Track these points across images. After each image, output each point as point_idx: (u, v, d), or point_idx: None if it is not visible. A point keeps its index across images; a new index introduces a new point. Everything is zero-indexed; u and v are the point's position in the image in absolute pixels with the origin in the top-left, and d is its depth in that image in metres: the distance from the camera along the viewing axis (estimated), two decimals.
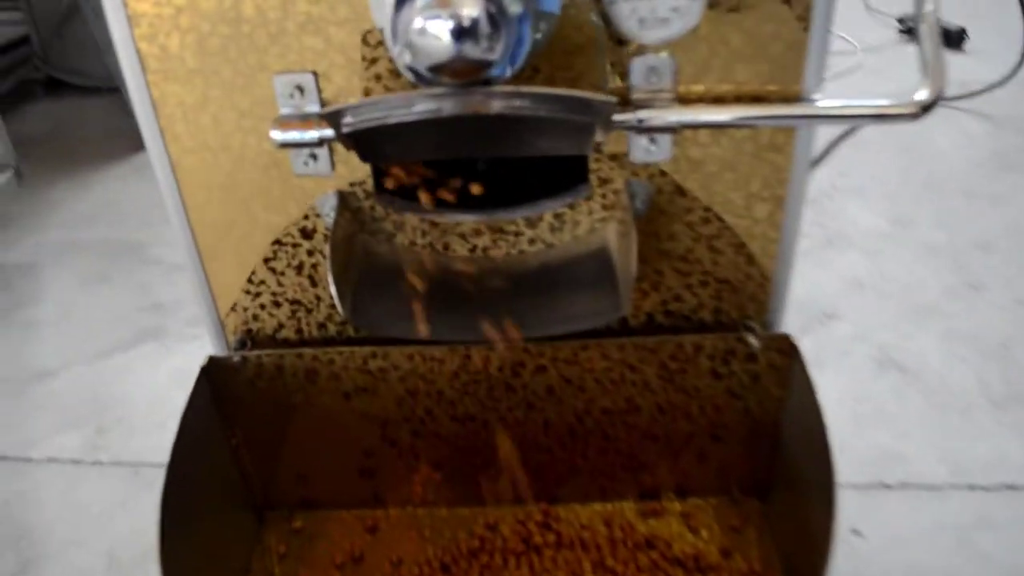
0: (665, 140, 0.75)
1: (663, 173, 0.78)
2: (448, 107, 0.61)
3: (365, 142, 0.67)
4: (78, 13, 2.90)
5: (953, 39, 3.19)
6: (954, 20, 3.16)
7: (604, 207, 0.80)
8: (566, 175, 0.80)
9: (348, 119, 0.64)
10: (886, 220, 2.20)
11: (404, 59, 0.60)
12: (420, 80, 0.61)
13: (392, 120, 0.63)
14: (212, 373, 0.88)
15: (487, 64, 0.60)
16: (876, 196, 2.30)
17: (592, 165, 0.78)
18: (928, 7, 0.76)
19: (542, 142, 0.68)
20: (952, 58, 3.11)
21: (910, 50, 3.19)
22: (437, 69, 0.60)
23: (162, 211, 0.83)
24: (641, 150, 0.76)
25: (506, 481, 0.99)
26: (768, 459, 0.96)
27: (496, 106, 0.62)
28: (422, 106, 0.62)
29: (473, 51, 0.59)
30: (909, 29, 3.32)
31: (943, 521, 1.22)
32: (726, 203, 0.80)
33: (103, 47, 2.69)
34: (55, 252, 2.20)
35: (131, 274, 2.09)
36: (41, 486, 1.49)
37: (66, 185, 2.52)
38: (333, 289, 0.75)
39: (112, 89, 2.97)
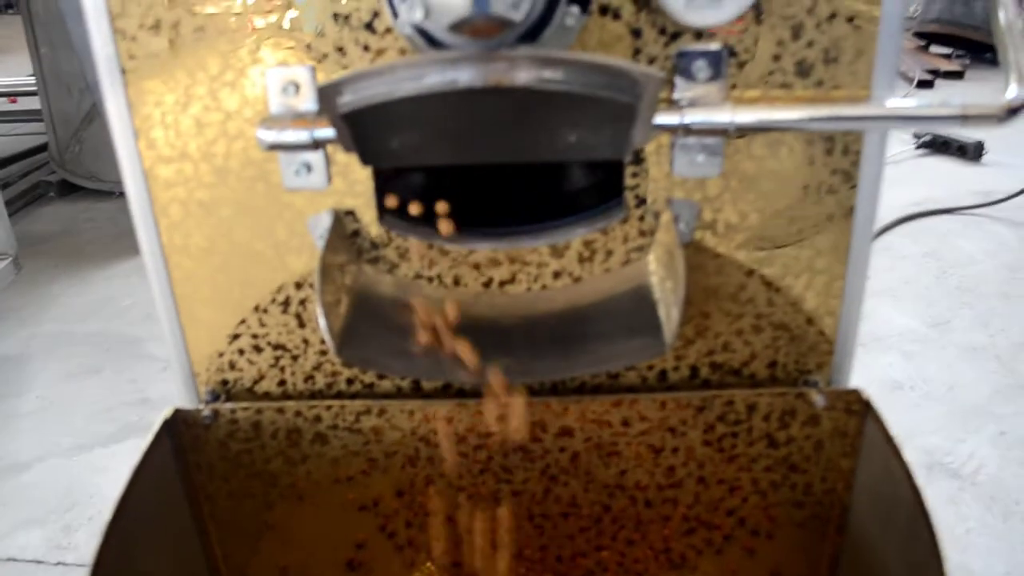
0: (715, 149, 0.64)
1: (710, 192, 0.67)
2: (466, 77, 0.51)
3: (367, 131, 0.57)
4: (97, 118, 2.92)
5: (972, 152, 3.22)
6: (972, 135, 3.21)
7: (641, 233, 0.69)
8: (597, 195, 0.70)
9: (347, 96, 0.54)
10: (922, 322, 2.11)
11: (415, 16, 0.51)
12: (431, 45, 0.52)
13: (400, 93, 0.52)
14: (176, 429, 0.75)
15: (510, 24, 0.50)
16: (909, 298, 2.23)
17: (628, 182, 0.68)
18: (1010, 11, 0.67)
19: (574, 136, 0.58)
20: (972, 170, 3.13)
21: (926, 163, 3.20)
22: (456, 27, 0.50)
23: None
24: (687, 162, 0.65)
25: (523, 573, 0.83)
26: (832, 550, 0.80)
27: (523, 76, 0.51)
28: (435, 75, 0.52)
29: (497, 5, 0.50)
30: (925, 144, 3.35)
31: None
32: (784, 229, 0.69)
33: None
34: (47, 344, 2.13)
35: (122, 369, 2.01)
36: None
37: (67, 281, 2.48)
38: (321, 319, 0.63)
39: (124, 194, 2.96)
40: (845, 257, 0.70)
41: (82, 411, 1.84)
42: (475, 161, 0.61)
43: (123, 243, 2.68)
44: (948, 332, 2.05)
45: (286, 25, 0.63)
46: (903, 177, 2.99)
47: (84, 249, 2.71)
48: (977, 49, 4.47)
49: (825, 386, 0.74)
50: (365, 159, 0.61)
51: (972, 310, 2.15)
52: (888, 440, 0.67)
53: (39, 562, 1.42)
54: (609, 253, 0.70)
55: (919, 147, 3.29)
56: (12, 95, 4.35)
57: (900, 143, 3.25)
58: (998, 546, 1.39)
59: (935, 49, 4.56)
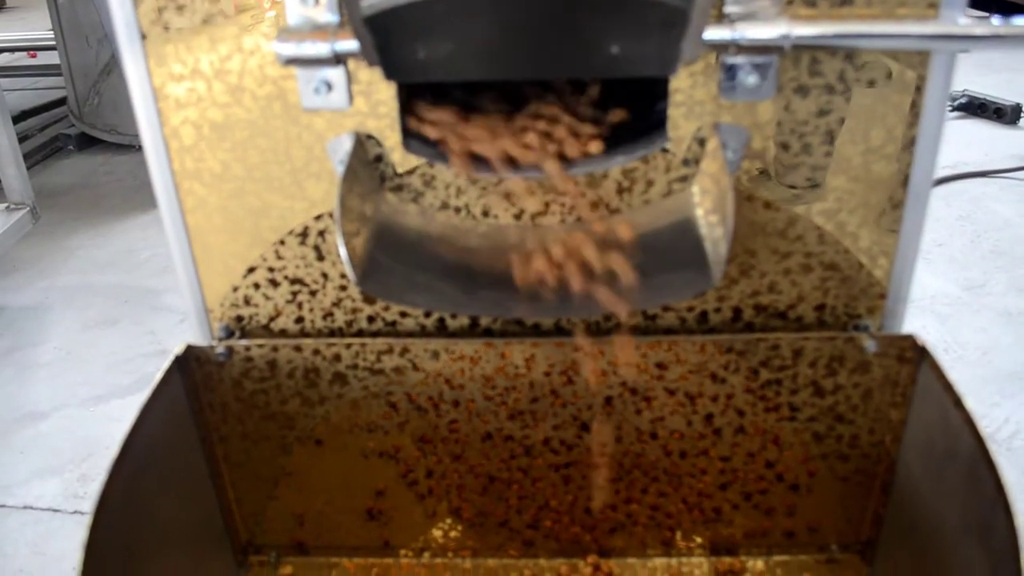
0: (768, 69, 0.59)
1: (760, 117, 0.62)
2: None
3: (392, 40, 0.52)
4: (116, 69, 2.89)
5: (1009, 115, 3.13)
6: (1010, 98, 3.12)
7: (685, 162, 0.64)
8: (638, 120, 0.65)
9: None
10: (956, 285, 2.06)
11: None
12: None
13: None
14: (188, 367, 0.71)
15: None
16: (943, 261, 2.17)
17: (672, 110, 0.62)
18: None
19: (617, 48, 0.53)
20: (1009, 133, 3.05)
21: (962, 126, 3.11)
22: None
23: None
24: (736, 84, 0.60)
25: (548, 525, 0.80)
26: (876, 507, 0.76)
27: None
28: None
29: None
30: (960, 106, 3.26)
31: None
32: (839, 161, 0.64)
33: None
34: (65, 296, 2.12)
35: (140, 320, 1.99)
36: (12, 535, 1.33)
37: (86, 233, 2.47)
38: (342, 249, 0.58)
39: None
40: (904, 193, 0.65)
41: (99, 362, 1.83)
42: (509, 77, 0.56)
43: (142, 196, 2.66)
44: (982, 296, 1.99)
45: None
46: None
47: (103, 202, 2.69)
48: (1013, 10, 4.32)
49: (877, 331, 0.69)
50: (389, 73, 0.56)
51: (1007, 274, 2.09)
52: (947, 388, 0.62)
53: (55, 511, 1.40)
54: (650, 183, 0.65)
55: (954, 110, 3.20)
56: (31, 50, 4.32)
57: None
58: None
59: (971, 12, 4.43)
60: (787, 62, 0.61)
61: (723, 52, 0.58)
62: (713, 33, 0.56)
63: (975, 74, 3.28)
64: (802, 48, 0.58)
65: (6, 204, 2.20)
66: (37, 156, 3.00)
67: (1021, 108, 3.07)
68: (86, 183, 2.84)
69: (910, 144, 0.63)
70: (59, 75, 3.24)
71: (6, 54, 4.54)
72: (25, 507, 1.41)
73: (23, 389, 1.73)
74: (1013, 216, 2.39)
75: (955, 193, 2.53)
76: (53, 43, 3.17)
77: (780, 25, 0.56)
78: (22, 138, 3.04)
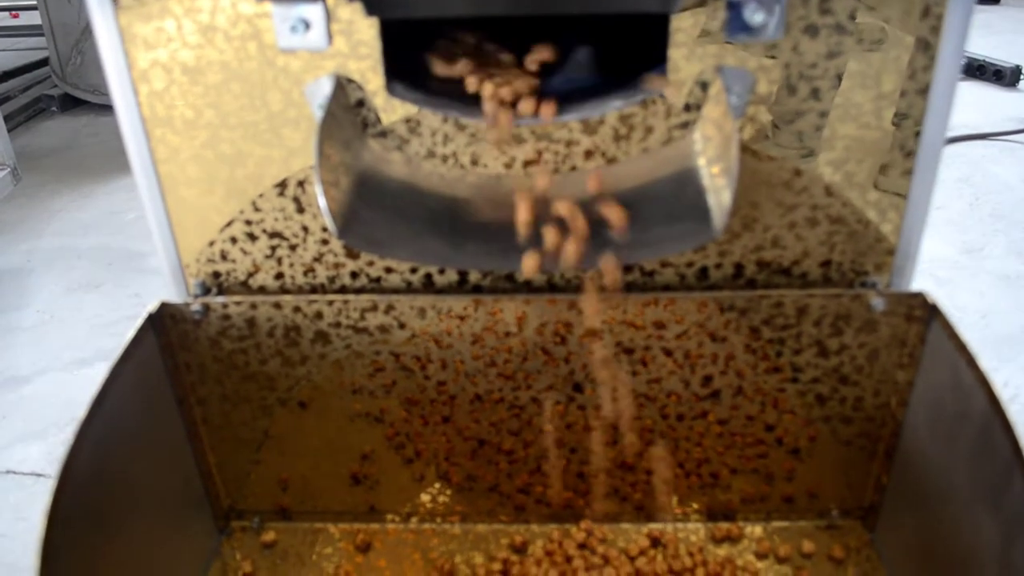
0: (776, 6, 0.55)
1: (768, 59, 0.59)
2: None
3: None
4: None
5: (1009, 77, 3.09)
6: (1010, 59, 3.08)
7: (686, 107, 0.61)
8: (636, 62, 0.61)
9: None
10: (955, 249, 2.03)
11: None
12: None
13: None
14: (163, 325, 0.68)
15: None
16: (941, 224, 2.14)
17: (672, 51, 0.59)
18: None
19: None
20: (1008, 96, 3.01)
21: (960, 88, 3.07)
22: None
23: None
24: (742, 22, 0.56)
25: (539, 490, 0.77)
26: (880, 471, 0.73)
27: None
28: None
29: None
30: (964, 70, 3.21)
31: None
32: (848, 107, 0.60)
33: None
34: (47, 258, 2.07)
35: (124, 283, 1.95)
36: None
37: (69, 195, 2.42)
38: (321, 198, 0.55)
39: None
40: (917, 144, 0.61)
41: (83, 325, 1.79)
42: (497, 12, 0.52)
43: (126, 158, 2.60)
44: (981, 259, 1.97)
45: None
46: None
47: (86, 163, 2.63)
48: None
49: (885, 288, 0.66)
50: (371, 8, 0.52)
51: (1006, 237, 2.07)
52: (960, 348, 0.59)
53: (38, 475, 1.38)
54: (649, 130, 0.61)
55: None
56: (13, 10, 4.23)
57: None
58: None
59: None
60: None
61: None
62: None
63: (975, 36, 3.22)
64: None
65: None
66: (19, 117, 2.94)
67: (1021, 70, 3.03)
68: (69, 144, 2.78)
69: (924, 90, 0.59)
70: (41, 35, 3.17)
71: None
72: (7, 471, 1.38)
73: (5, 353, 1.70)
74: (1012, 179, 2.36)
75: (954, 156, 2.49)
76: (34, 3, 3.09)
77: None
78: (3, 99, 2.97)
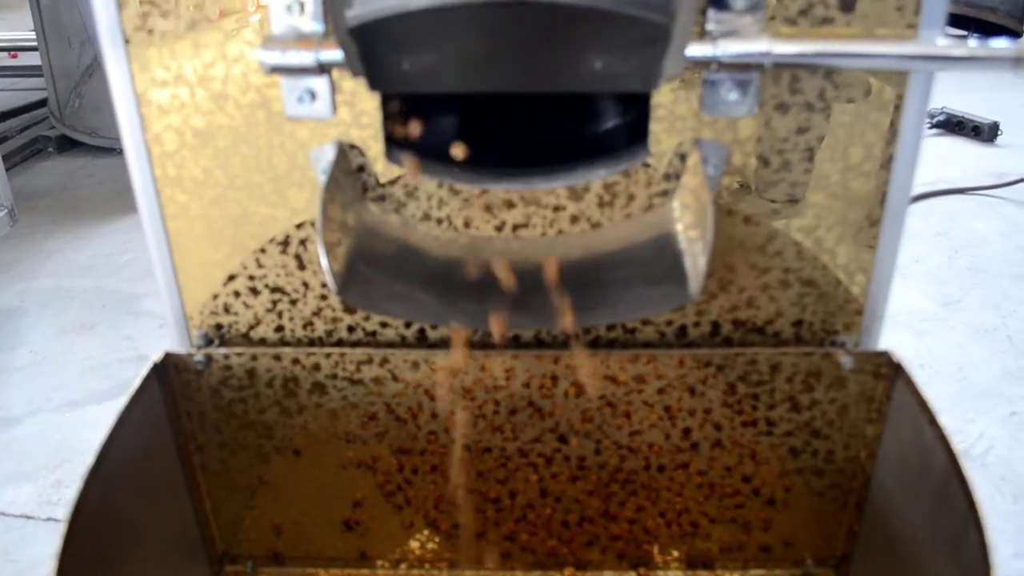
0: (749, 86, 0.60)
1: (741, 133, 0.63)
2: None
3: (376, 50, 0.53)
4: (98, 72, 2.87)
5: (988, 133, 3.18)
6: (988, 116, 3.16)
7: (666, 176, 0.65)
8: (620, 134, 0.65)
9: (357, 8, 0.50)
10: (932, 301, 2.08)
11: None
12: None
13: (414, 5, 0.48)
14: (167, 374, 0.71)
15: None
16: (920, 277, 2.20)
17: (653, 125, 0.63)
18: None
19: (600, 63, 0.53)
20: (986, 151, 3.09)
21: (940, 143, 3.15)
22: None
23: None
24: (717, 100, 0.61)
25: (525, 538, 0.80)
26: (851, 523, 0.77)
27: None
28: None
29: None
30: (939, 124, 3.31)
31: None
32: (818, 178, 0.65)
33: None
34: (42, 299, 2.09)
35: (117, 325, 1.97)
36: None
37: (64, 236, 2.44)
38: (323, 258, 0.58)
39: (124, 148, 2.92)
40: (882, 211, 0.66)
41: (75, 367, 1.81)
42: (492, 89, 0.56)
43: (121, 200, 2.64)
44: (959, 311, 2.02)
45: None
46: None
47: (82, 205, 2.66)
48: (993, 31, 4.39)
49: (853, 347, 0.70)
50: (373, 83, 0.57)
51: (983, 290, 2.12)
52: (921, 404, 0.63)
53: (28, 517, 1.39)
54: (631, 197, 0.66)
55: (933, 127, 3.24)
56: (12, 50, 4.29)
57: None
58: (1007, 527, 1.37)
59: (950, 31, 4.49)
60: (768, 79, 0.61)
61: (705, 68, 0.59)
62: (695, 50, 0.56)
63: (954, 92, 3.33)
64: (783, 66, 0.59)
65: None
66: (16, 158, 2.98)
67: (998, 126, 3.12)
68: (65, 186, 2.82)
69: (888, 162, 0.64)
70: (39, 76, 3.22)
71: None
72: None
73: None
74: (990, 233, 2.42)
75: (933, 210, 2.56)
76: (34, 44, 3.15)
77: (761, 43, 0.57)
78: (1, 139, 3.01)
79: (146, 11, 0.60)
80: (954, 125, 3.21)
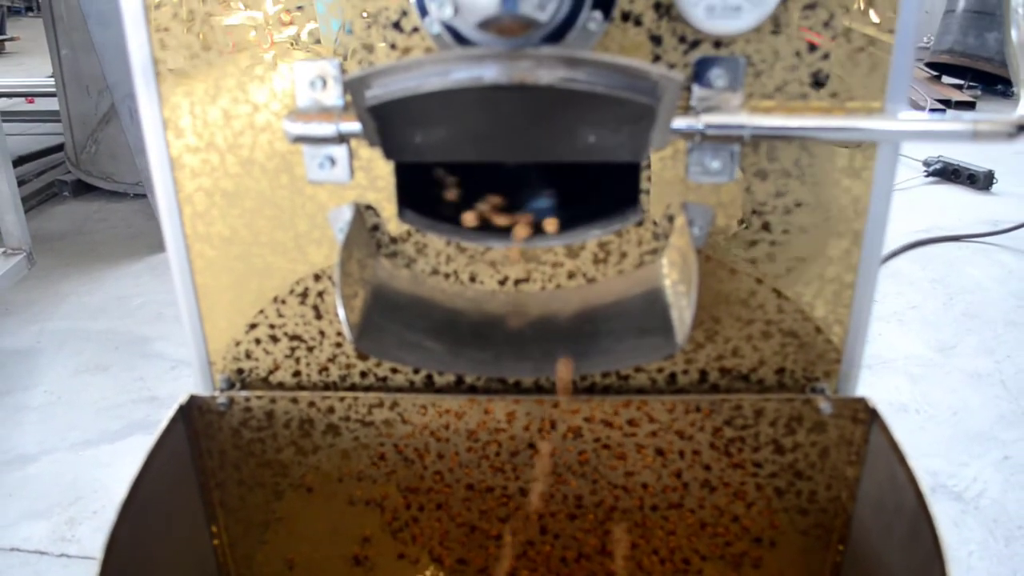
0: (730, 155, 0.66)
1: (724, 197, 0.69)
2: (491, 73, 0.53)
3: (391, 125, 0.59)
4: (114, 119, 2.96)
5: (983, 182, 3.24)
6: (983, 164, 3.22)
7: (655, 236, 0.70)
8: (613, 199, 0.71)
9: (375, 90, 0.56)
10: (928, 347, 2.12)
11: (445, 13, 0.52)
12: (459, 42, 0.54)
13: (427, 88, 0.54)
14: (191, 415, 0.76)
15: (536, 24, 0.52)
16: (916, 323, 2.24)
17: (644, 186, 0.69)
18: (1018, 28, 0.68)
19: (593, 137, 0.59)
20: (982, 199, 3.15)
21: (936, 191, 3.22)
22: (484, 25, 0.52)
23: (173, 308, 0.74)
24: (702, 167, 0.67)
25: (525, 574, 0.84)
26: (835, 559, 0.81)
27: (547, 75, 0.53)
28: (462, 71, 0.53)
29: (525, 6, 0.51)
30: (935, 172, 3.37)
31: None
32: (796, 238, 0.70)
33: (135, 150, 2.73)
34: (57, 340, 2.15)
35: (130, 367, 2.02)
36: None
37: (79, 279, 2.50)
38: (341, 310, 0.64)
39: (138, 195, 3.00)
40: (855, 268, 0.71)
41: (89, 407, 1.85)
42: (496, 159, 0.62)
43: (136, 244, 2.71)
44: (953, 357, 2.05)
45: (304, 37, 0.65)
46: (913, 205, 3.00)
47: (97, 248, 2.73)
48: (989, 80, 4.49)
49: (832, 394, 0.75)
50: (388, 153, 0.63)
51: (978, 336, 2.15)
52: (894, 447, 0.68)
53: (42, 553, 1.42)
54: (623, 255, 0.71)
55: (929, 175, 3.30)
56: (30, 95, 4.41)
57: (910, 171, 3.27)
58: (1000, 570, 1.39)
59: (947, 80, 4.59)
60: (748, 148, 0.67)
61: (689, 139, 0.65)
62: (680, 123, 0.62)
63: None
64: (760, 137, 0.65)
65: (3, 248, 2.25)
66: (32, 201, 3.05)
67: (993, 175, 3.18)
68: (80, 229, 2.89)
69: (860, 222, 0.69)
70: (56, 121, 3.31)
71: (4, 99, 4.62)
72: (12, 549, 1.43)
73: (13, 432, 1.76)
74: (985, 280, 2.47)
75: (930, 257, 2.61)
76: (51, 89, 3.25)
77: (741, 116, 0.63)
78: (19, 183, 3.09)
79: (182, 82, 0.67)
80: (950, 173, 3.27)
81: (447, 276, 0.73)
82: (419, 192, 0.71)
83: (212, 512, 0.81)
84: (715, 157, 0.66)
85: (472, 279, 0.73)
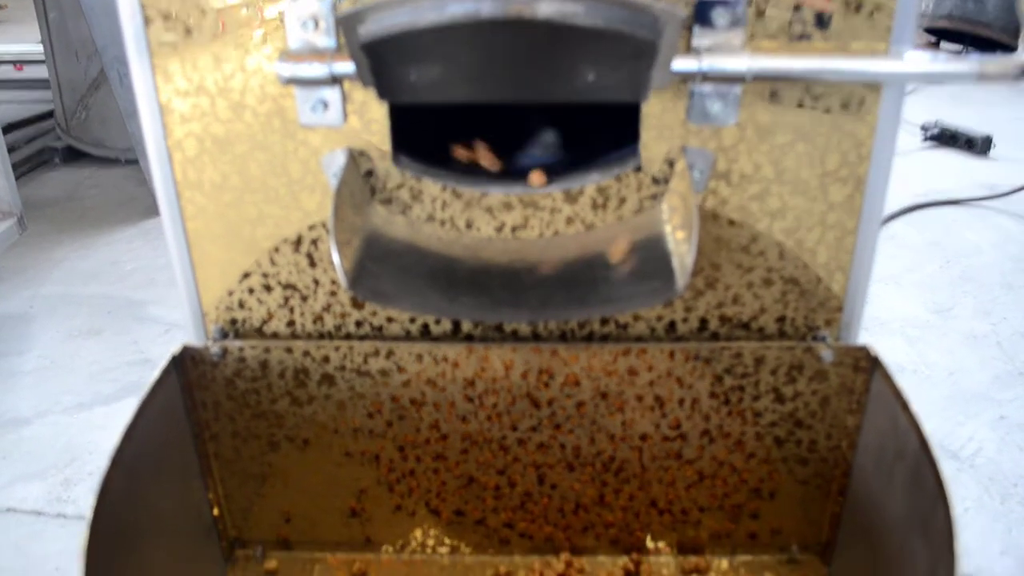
0: (732, 98, 0.64)
1: (725, 141, 0.67)
2: (488, 7, 0.51)
3: (386, 64, 0.57)
4: (104, 84, 2.92)
5: (981, 146, 3.22)
6: (981, 129, 3.20)
7: (655, 181, 0.69)
8: (612, 142, 0.70)
9: (368, 25, 0.54)
10: (925, 309, 2.12)
11: None
12: None
13: (422, 23, 0.52)
14: (184, 365, 0.75)
15: None
16: (913, 285, 2.24)
17: (643, 134, 0.67)
18: None
19: (592, 75, 0.58)
20: (980, 163, 3.14)
21: (934, 156, 3.20)
22: None
23: (166, 273, 0.73)
24: (703, 110, 0.65)
25: (523, 524, 0.84)
26: (834, 509, 0.81)
27: (544, 9, 0.52)
28: (458, 5, 0.52)
29: None
30: (933, 137, 3.36)
31: None
32: (797, 183, 0.69)
33: (126, 115, 2.69)
34: (49, 305, 2.14)
35: (124, 330, 2.01)
36: None
37: (71, 245, 2.48)
38: (335, 256, 0.63)
39: (129, 161, 2.97)
40: (858, 213, 0.70)
41: (83, 371, 1.84)
42: (493, 99, 0.61)
43: (127, 209, 2.69)
44: (950, 319, 2.05)
45: None
46: (911, 169, 2.99)
47: (88, 214, 2.71)
48: (988, 46, 4.44)
49: (833, 342, 0.74)
50: (382, 93, 0.61)
51: (975, 299, 2.15)
52: (896, 393, 0.67)
53: (39, 513, 1.42)
54: (623, 200, 0.70)
55: (927, 140, 3.29)
56: (19, 63, 4.34)
57: (908, 135, 3.25)
58: (995, 526, 1.40)
59: (945, 46, 4.54)
60: (749, 91, 0.66)
61: (691, 81, 0.63)
62: (681, 64, 0.61)
63: (949, 106, 3.38)
64: (763, 79, 0.63)
65: None
66: (23, 168, 3.03)
67: (991, 140, 3.16)
68: (72, 195, 2.86)
69: (864, 166, 0.68)
70: (46, 88, 3.27)
71: None
72: (9, 509, 1.43)
73: (7, 396, 1.75)
74: (982, 243, 2.46)
75: (928, 220, 2.60)
76: (40, 57, 3.20)
77: (743, 58, 0.61)
78: (8, 150, 3.06)
79: (171, 27, 0.65)
80: (948, 138, 3.25)
81: (443, 223, 0.71)
82: (414, 137, 0.69)
83: (207, 464, 0.80)
84: (716, 99, 0.65)
85: (468, 225, 0.72)
